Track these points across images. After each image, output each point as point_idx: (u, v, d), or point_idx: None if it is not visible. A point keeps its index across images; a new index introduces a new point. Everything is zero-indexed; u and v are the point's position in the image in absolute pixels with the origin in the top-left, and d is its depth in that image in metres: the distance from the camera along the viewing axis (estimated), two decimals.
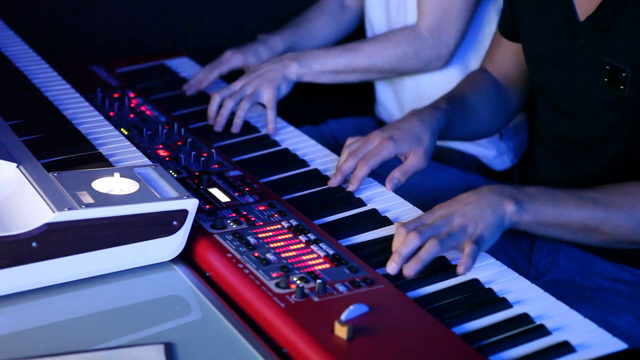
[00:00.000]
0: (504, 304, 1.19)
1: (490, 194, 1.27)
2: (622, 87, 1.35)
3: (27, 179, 1.27)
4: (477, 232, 1.24)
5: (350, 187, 1.45)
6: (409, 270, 1.21)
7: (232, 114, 1.72)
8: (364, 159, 1.44)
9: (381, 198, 1.46)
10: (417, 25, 1.81)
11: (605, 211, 1.29)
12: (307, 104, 1.77)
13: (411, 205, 1.44)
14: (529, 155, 1.65)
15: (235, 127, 1.69)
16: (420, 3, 1.81)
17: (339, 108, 1.95)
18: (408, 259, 1.23)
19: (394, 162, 1.48)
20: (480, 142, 1.90)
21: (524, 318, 1.16)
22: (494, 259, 1.29)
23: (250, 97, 1.71)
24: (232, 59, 1.87)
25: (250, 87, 1.73)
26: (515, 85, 1.65)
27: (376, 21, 1.96)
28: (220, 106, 1.73)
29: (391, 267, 1.22)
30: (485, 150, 1.91)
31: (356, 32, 2.10)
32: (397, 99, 1.97)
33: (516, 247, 1.57)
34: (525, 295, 1.21)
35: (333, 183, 1.48)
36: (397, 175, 1.45)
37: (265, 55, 1.90)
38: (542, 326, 1.14)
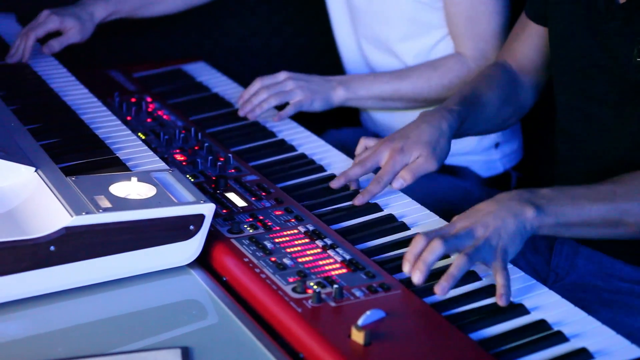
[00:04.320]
0: (521, 310, 1.19)
1: (509, 202, 1.24)
2: None
3: (45, 183, 1.27)
4: (500, 244, 1.22)
5: (359, 199, 1.43)
6: (441, 290, 1.18)
7: None
8: (378, 178, 1.43)
9: (398, 203, 1.46)
10: (462, 54, 1.79)
11: (626, 202, 1.26)
12: (309, 114, 1.78)
13: (428, 211, 1.44)
14: (548, 150, 1.64)
15: (252, 115, 1.72)
16: (455, 35, 1.79)
17: (340, 118, 1.96)
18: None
19: None
20: (472, 151, 1.89)
21: (542, 324, 1.16)
22: (511, 265, 1.28)
23: (284, 96, 1.73)
24: (48, 22, 1.84)
25: (290, 85, 1.74)
26: (533, 77, 1.63)
27: (354, 66, 1.96)
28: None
29: (417, 277, 1.18)
30: (476, 159, 1.90)
31: None
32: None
33: (535, 251, 1.57)
34: (542, 302, 1.21)
35: (335, 184, 1.47)
36: (404, 174, 1.43)
37: (85, 19, 1.88)
38: (559, 333, 1.14)
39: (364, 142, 1.50)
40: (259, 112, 1.72)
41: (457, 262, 1.19)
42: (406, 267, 1.21)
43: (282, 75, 1.76)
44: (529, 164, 1.96)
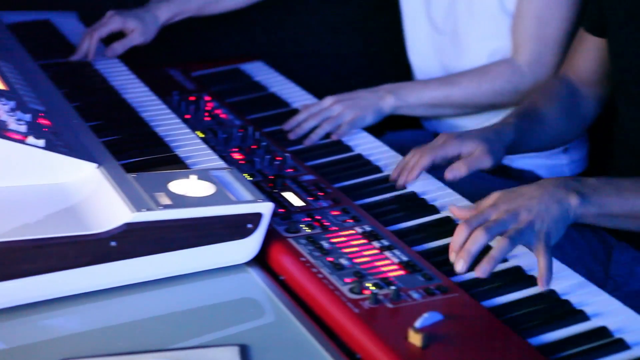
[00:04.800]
0: (581, 316, 1.17)
1: (554, 188, 1.26)
2: None
3: (107, 179, 1.29)
4: (543, 229, 1.23)
5: (410, 175, 1.45)
6: (482, 272, 1.19)
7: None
8: (428, 150, 1.44)
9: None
10: (515, 59, 1.77)
11: None
12: None
13: None
14: (609, 162, 1.62)
15: (309, 141, 1.69)
16: (517, 36, 1.76)
17: (397, 120, 1.95)
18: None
19: None
20: (540, 154, 1.86)
21: (602, 331, 1.14)
22: (571, 270, 1.27)
23: (334, 120, 1.71)
24: (111, 22, 1.86)
25: (338, 109, 1.73)
26: (595, 89, 1.62)
27: (424, 62, 1.94)
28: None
29: (460, 266, 1.20)
30: (542, 163, 1.88)
31: None
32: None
33: (593, 258, 1.55)
34: (603, 308, 1.19)
35: (397, 179, 1.47)
36: (459, 165, 1.42)
37: (148, 20, 1.89)
38: (621, 340, 1.12)
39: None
40: (316, 138, 1.69)
41: (499, 245, 1.20)
42: (452, 256, 1.23)
43: (328, 100, 1.75)
44: (593, 173, 1.93)
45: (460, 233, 1.23)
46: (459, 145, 1.43)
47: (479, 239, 1.21)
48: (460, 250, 1.22)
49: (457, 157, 1.45)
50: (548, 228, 1.22)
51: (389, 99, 1.76)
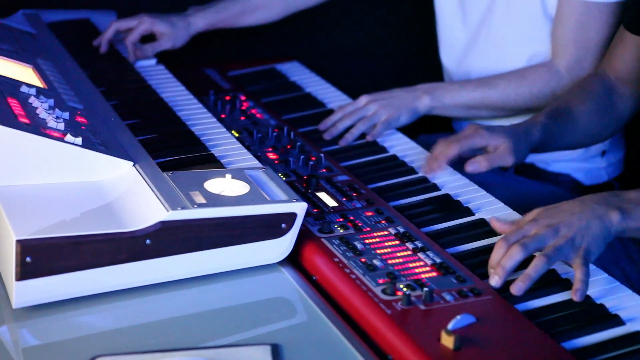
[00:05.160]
0: (616, 320, 1.16)
1: (595, 205, 1.25)
2: None
3: (143, 177, 1.30)
4: (583, 245, 1.22)
5: (435, 163, 1.45)
6: (517, 290, 1.19)
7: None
8: (456, 140, 1.44)
9: (490, 208, 1.44)
10: (554, 63, 1.75)
11: None
12: None
13: (520, 216, 1.42)
14: None
15: (344, 141, 1.69)
16: (557, 39, 1.74)
17: (430, 124, 1.95)
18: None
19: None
20: (577, 158, 1.85)
21: (637, 336, 1.13)
22: (606, 275, 1.26)
23: (369, 119, 1.71)
24: (140, 24, 1.89)
25: (373, 108, 1.73)
26: (633, 88, 1.60)
27: (457, 65, 1.93)
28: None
29: (494, 281, 1.21)
30: (580, 167, 1.86)
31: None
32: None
33: (630, 260, 1.53)
34: (638, 313, 1.18)
35: (426, 170, 1.50)
36: (480, 160, 1.44)
37: (180, 26, 1.91)
38: None
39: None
40: (351, 138, 1.69)
41: (535, 263, 1.20)
42: (490, 273, 1.23)
43: (363, 100, 1.74)
44: (630, 176, 1.91)
45: (498, 249, 1.24)
46: (487, 138, 1.44)
47: (514, 255, 1.21)
48: (496, 266, 1.22)
49: (484, 149, 1.46)
50: (588, 244, 1.22)
51: (424, 99, 1.76)
